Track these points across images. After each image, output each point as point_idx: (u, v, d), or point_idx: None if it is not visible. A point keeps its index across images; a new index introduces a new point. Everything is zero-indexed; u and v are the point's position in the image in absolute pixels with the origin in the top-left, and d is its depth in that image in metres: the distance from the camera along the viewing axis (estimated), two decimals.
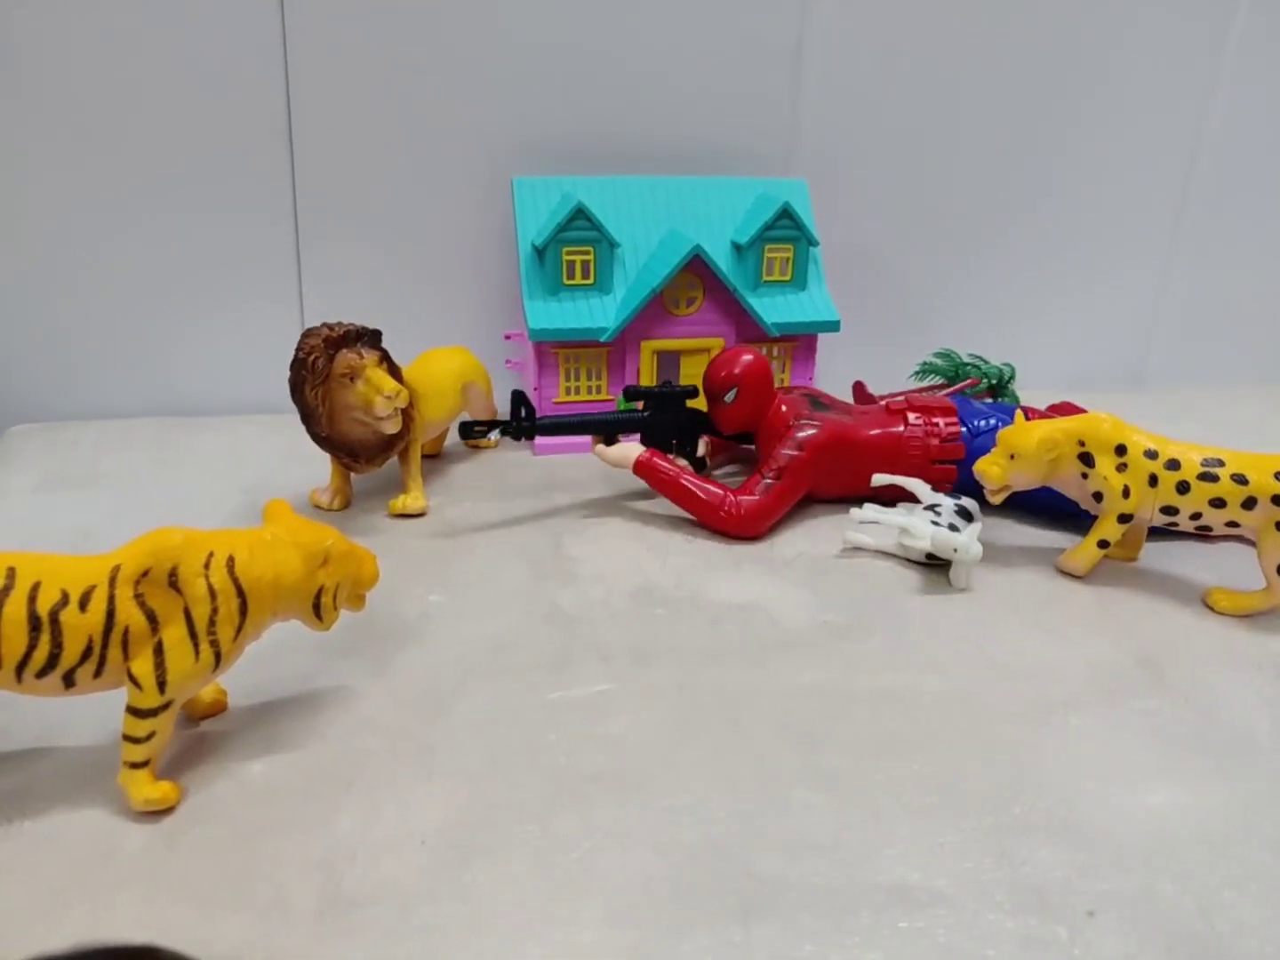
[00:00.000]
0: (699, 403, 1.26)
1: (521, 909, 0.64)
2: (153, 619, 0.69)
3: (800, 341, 1.46)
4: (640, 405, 1.23)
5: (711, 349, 1.42)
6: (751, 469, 1.20)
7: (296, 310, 1.48)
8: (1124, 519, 1.05)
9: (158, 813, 0.70)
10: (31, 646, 0.66)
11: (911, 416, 1.22)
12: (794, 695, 0.86)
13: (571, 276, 1.38)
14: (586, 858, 0.68)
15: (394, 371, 1.12)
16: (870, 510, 1.12)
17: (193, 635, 0.70)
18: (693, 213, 1.46)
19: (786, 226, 1.41)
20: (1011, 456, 1.06)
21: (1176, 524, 1.04)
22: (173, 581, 0.69)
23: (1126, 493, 1.03)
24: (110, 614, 0.68)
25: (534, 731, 0.80)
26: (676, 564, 1.07)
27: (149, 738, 0.70)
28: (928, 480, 1.19)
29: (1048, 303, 1.70)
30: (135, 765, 0.70)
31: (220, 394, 1.47)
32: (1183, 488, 1.01)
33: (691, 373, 1.42)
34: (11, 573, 0.67)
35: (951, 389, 1.47)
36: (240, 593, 0.72)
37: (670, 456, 1.18)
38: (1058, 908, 0.65)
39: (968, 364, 1.52)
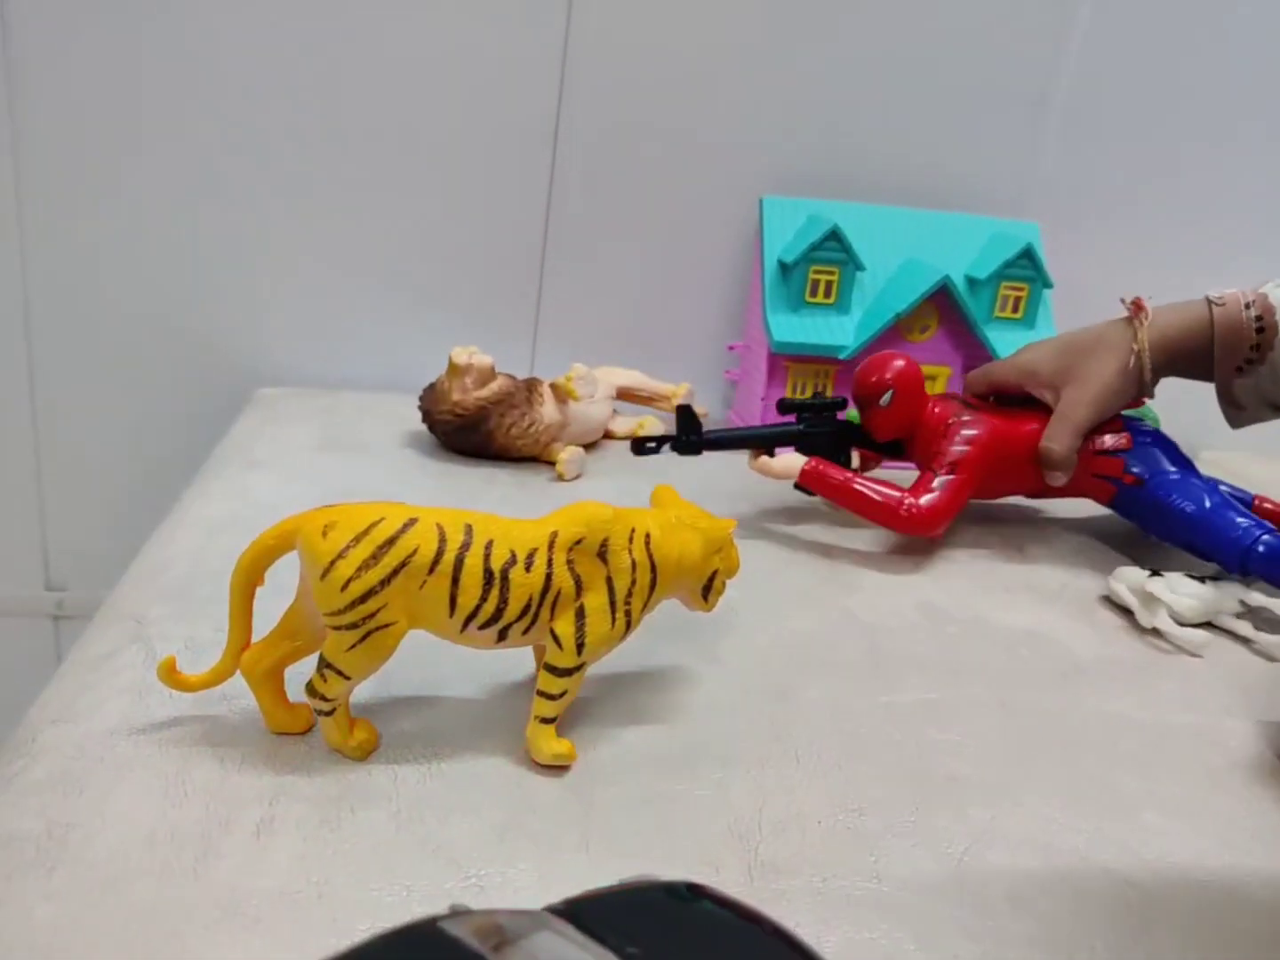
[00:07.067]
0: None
1: (934, 894, 0.67)
2: (579, 585, 0.73)
3: None
4: (794, 418, 1.20)
5: (937, 377, 1.46)
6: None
7: (533, 308, 1.53)
8: None
9: (558, 769, 0.75)
10: (482, 599, 0.70)
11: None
12: (1107, 723, 0.89)
13: (815, 295, 1.43)
14: (974, 850, 0.71)
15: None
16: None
17: (611, 604, 0.74)
18: (926, 244, 1.50)
19: (1025, 266, 1.45)
20: None
21: None
22: (601, 552, 0.74)
23: None
24: (548, 576, 0.72)
25: (877, 729, 0.84)
26: (948, 584, 1.11)
27: (561, 695, 0.74)
28: (1084, 480, 1.17)
29: None
30: (545, 720, 0.74)
31: None
32: None
33: None
34: (469, 529, 0.71)
35: None
36: (653, 568, 0.76)
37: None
38: None
39: None
